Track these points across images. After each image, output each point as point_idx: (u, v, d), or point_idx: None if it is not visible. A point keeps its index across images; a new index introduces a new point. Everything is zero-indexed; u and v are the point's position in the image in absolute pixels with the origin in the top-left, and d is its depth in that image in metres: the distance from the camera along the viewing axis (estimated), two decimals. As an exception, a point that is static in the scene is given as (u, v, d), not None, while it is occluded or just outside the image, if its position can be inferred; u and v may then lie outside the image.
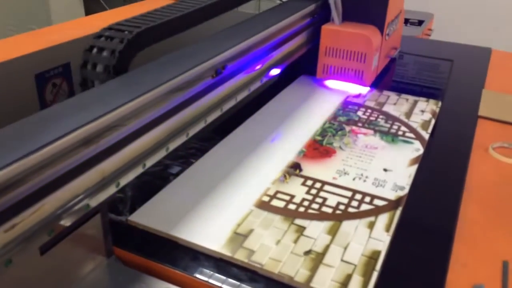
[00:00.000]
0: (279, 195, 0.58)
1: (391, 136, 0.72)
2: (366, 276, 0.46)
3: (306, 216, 0.54)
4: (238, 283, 0.46)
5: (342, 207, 0.56)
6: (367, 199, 0.58)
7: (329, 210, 0.55)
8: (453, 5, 2.25)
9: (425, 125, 0.76)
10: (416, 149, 0.69)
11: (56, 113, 0.43)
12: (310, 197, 0.58)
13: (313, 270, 0.47)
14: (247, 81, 0.70)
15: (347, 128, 0.74)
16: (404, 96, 0.86)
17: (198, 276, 0.46)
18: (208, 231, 0.52)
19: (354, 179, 0.62)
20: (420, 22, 1.86)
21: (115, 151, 0.46)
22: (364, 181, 0.61)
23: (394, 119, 0.78)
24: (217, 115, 0.63)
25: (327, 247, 0.50)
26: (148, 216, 0.53)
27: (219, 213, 0.54)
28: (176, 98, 0.54)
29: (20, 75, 0.89)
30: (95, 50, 0.54)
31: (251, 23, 0.74)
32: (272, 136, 0.71)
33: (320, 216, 0.54)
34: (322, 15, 0.90)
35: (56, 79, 0.83)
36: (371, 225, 0.53)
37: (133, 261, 0.49)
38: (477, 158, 0.68)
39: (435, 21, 2.01)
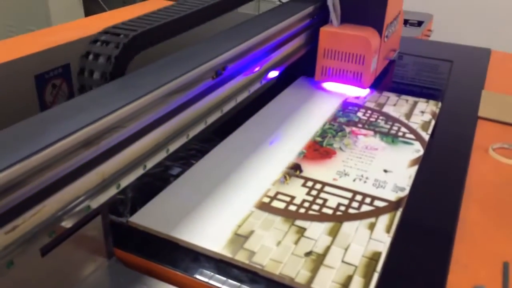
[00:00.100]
0: (279, 196, 0.58)
1: (391, 137, 0.72)
2: (367, 277, 0.46)
3: (306, 217, 0.54)
4: (238, 284, 0.46)
5: (342, 208, 0.56)
6: (368, 200, 0.58)
7: (330, 211, 0.55)
8: (453, 6, 2.26)
9: (425, 126, 0.76)
10: (416, 150, 0.69)
11: (57, 115, 0.43)
12: (310, 198, 0.58)
13: (314, 271, 0.47)
14: (247, 82, 0.70)
15: (347, 129, 0.74)
16: (404, 97, 0.86)
17: (198, 277, 0.46)
18: (209, 232, 0.52)
19: (354, 180, 0.62)
20: (419, 23, 1.86)
21: (116, 153, 0.46)
22: (365, 182, 0.61)
23: (394, 120, 0.78)
24: (217, 116, 0.63)
25: (327, 248, 0.50)
26: (149, 217, 0.53)
27: (220, 214, 0.54)
28: (177, 99, 0.54)
29: (20, 76, 0.89)
30: (91, 56, 0.53)
31: (251, 24, 0.74)
32: (271, 139, 0.71)
33: (321, 217, 0.54)
34: (321, 17, 0.90)
35: (56, 80, 0.83)
36: (371, 226, 0.53)
37: (133, 262, 0.49)
38: (477, 159, 0.68)
39: (435, 22, 2.01)
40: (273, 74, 0.79)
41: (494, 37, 2.17)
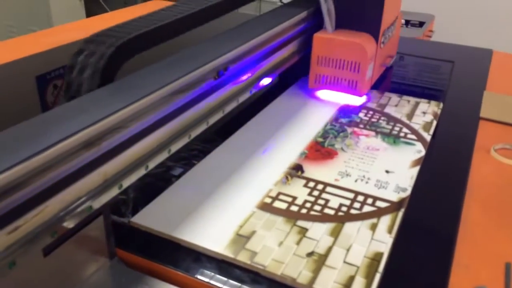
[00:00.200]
0: (281, 197, 0.58)
1: (393, 138, 0.72)
2: (369, 277, 0.46)
3: (308, 217, 0.54)
4: (240, 284, 0.46)
5: (344, 208, 0.56)
6: (369, 200, 0.58)
7: (331, 212, 0.55)
8: (454, 6, 2.26)
9: (426, 126, 0.76)
10: (418, 150, 0.69)
11: (59, 115, 0.43)
12: (312, 199, 0.58)
13: (316, 271, 0.47)
14: (249, 83, 0.70)
15: (349, 130, 0.74)
16: (405, 97, 0.86)
17: (200, 277, 0.46)
18: (210, 232, 0.52)
19: (356, 180, 0.62)
20: (421, 24, 1.86)
21: (117, 153, 0.46)
22: (366, 182, 0.61)
23: (395, 120, 0.78)
24: (219, 116, 0.63)
25: (329, 249, 0.50)
26: (151, 217, 0.54)
27: (221, 215, 0.54)
28: (178, 100, 0.54)
29: (21, 77, 0.89)
30: (77, 68, 0.51)
31: (253, 25, 0.74)
32: (272, 139, 0.71)
33: (323, 218, 0.54)
34: (315, 22, 0.88)
35: (57, 80, 0.83)
36: (373, 227, 0.53)
37: (135, 263, 0.49)
38: (479, 159, 0.68)
39: (436, 22, 2.01)
40: (276, 74, 0.79)
41: (496, 38, 2.17)
